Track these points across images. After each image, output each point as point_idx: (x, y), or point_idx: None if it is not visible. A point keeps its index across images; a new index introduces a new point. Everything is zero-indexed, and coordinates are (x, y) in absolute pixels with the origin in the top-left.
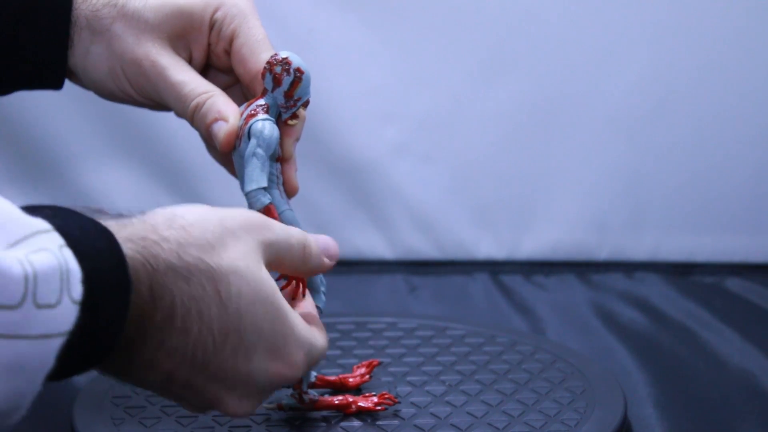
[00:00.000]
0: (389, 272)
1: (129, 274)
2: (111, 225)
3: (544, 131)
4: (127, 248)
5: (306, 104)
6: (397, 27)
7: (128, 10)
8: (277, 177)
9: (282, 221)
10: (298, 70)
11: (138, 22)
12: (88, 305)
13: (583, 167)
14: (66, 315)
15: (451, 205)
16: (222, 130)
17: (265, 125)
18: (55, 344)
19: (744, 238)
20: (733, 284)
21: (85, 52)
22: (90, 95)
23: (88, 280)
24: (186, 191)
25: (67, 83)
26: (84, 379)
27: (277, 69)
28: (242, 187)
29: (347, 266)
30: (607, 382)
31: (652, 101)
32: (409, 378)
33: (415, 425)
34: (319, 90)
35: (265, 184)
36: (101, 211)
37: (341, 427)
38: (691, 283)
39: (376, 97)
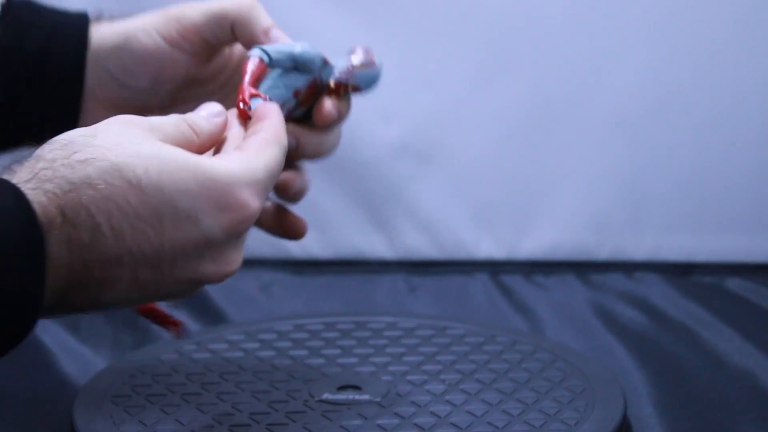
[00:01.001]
0: (389, 272)
1: (38, 224)
2: (8, 176)
3: (544, 131)
4: (27, 189)
5: (354, 89)
6: (397, 27)
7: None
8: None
9: None
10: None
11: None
12: (5, 259)
13: (583, 167)
14: None
15: (451, 205)
16: None
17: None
18: None
19: (744, 238)
20: (734, 284)
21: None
22: None
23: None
24: None
25: None
26: (84, 379)
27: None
28: None
29: (347, 266)
30: (607, 381)
31: (652, 101)
32: (409, 377)
33: (415, 424)
34: None
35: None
36: (9, 168)
37: (341, 426)
38: (691, 283)
39: (376, 97)
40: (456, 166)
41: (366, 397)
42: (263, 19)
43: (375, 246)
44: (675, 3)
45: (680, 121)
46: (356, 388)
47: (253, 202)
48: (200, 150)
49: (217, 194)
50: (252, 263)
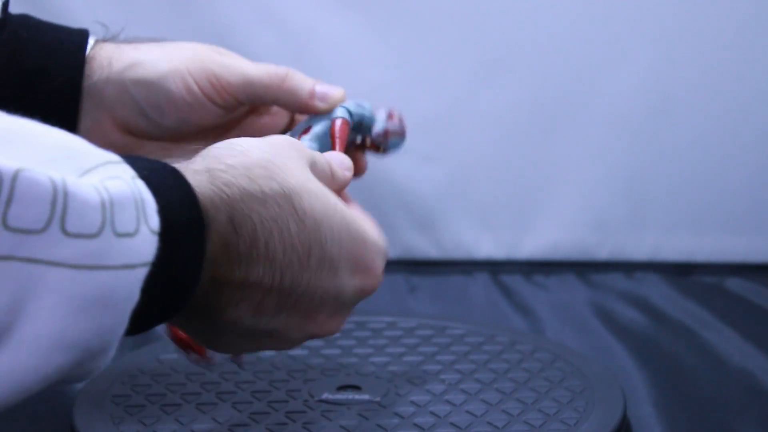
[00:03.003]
0: (389, 272)
1: (201, 209)
2: (177, 165)
3: (545, 131)
4: (197, 181)
5: (381, 149)
6: (397, 27)
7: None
8: None
9: None
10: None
11: (192, 44)
12: (166, 238)
13: (583, 167)
14: (146, 245)
15: (451, 205)
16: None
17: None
18: (139, 275)
19: (744, 238)
20: (734, 284)
21: (131, 63)
22: None
23: (163, 212)
24: None
25: None
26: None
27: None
28: None
29: None
30: (607, 381)
31: (652, 101)
32: (409, 377)
33: (414, 424)
34: None
35: None
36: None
37: (341, 426)
38: (691, 283)
39: (377, 97)
40: (456, 166)
41: (366, 397)
42: (304, 84)
43: None
44: (675, 5)
45: (681, 122)
46: (356, 387)
47: (381, 272)
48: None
49: (361, 254)
50: None
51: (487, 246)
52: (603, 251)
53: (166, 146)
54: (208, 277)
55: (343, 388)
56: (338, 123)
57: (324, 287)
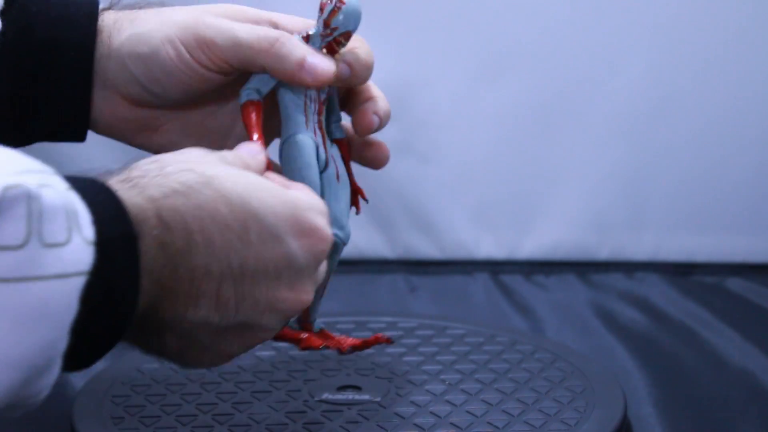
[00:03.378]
0: (389, 272)
1: (131, 217)
2: (98, 176)
3: (545, 131)
4: (120, 188)
5: (345, 36)
6: (397, 27)
7: (171, 4)
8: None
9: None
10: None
11: (187, 6)
12: (101, 249)
13: (583, 167)
14: (80, 254)
15: (451, 205)
16: (322, 63)
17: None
18: (76, 284)
19: (744, 238)
20: (734, 284)
21: (128, 37)
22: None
23: (97, 224)
24: None
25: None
26: (84, 380)
27: None
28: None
29: (347, 266)
30: (607, 381)
31: (652, 101)
32: (409, 377)
33: (415, 424)
34: None
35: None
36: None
37: (341, 426)
38: (691, 283)
39: None
40: (456, 166)
41: (366, 397)
42: (294, 52)
43: (375, 245)
44: (675, 5)
45: (681, 122)
46: (356, 388)
47: (327, 230)
48: None
49: (299, 216)
50: None
51: (487, 246)
52: (603, 251)
53: (183, 115)
54: (153, 283)
55: (343, 388)
56: (245, 112)
57: (274, 258)
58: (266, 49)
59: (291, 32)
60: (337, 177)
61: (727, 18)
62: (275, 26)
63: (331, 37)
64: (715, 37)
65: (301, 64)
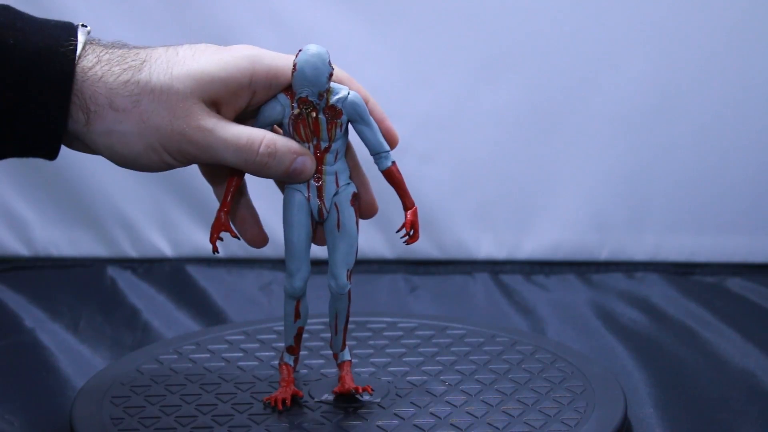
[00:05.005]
0: (389, 272)
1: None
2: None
3: (545, 131)
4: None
5: (300, 101)
6: (397, 27)
7: (154, 85)
8: None
9: None
10: (294, 64)
11: (168, 95)
12: None
13: (583, 167)
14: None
15: (451, 205)
16: (306, 162)
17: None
18: None
19: (745, 238)
20: (734, 284)
21: (107, 131)
22: None
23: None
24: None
25: None
26: (83, 379)
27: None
28: None
29: None
30: (607, 382)
31: (653, 101)
32: (409, 377)
33: (414, 425)
34: None
35: None
36: None
37: (341, 427)
38: (691, 283)
39: (377, 97)
40: (456, 165)
41: (366, 397)
42: (276, 167)
43: (375, 245)
44: (675, 5)
45: (681, 122)
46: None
47: None
48: None
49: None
50: (252, 263)
51: (487, 246)
52: (603, 251)
53: None
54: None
55: None
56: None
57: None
58: (250, 162)
59: (275, 70)
60: (338, 226)
61: (727, 18)
62: (259, 63)
63: (296, 104)
64: (715, 37)
65: (288, 173)
